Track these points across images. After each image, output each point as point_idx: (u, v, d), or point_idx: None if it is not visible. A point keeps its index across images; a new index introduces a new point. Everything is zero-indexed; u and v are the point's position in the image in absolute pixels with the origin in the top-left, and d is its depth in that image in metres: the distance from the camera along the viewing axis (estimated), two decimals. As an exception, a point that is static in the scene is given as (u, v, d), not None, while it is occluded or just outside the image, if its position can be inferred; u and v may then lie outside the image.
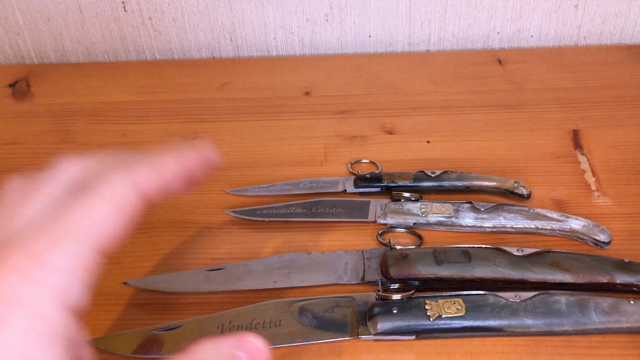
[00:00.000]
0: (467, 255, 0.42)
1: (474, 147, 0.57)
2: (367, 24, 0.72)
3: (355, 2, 0.70)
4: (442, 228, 0.48)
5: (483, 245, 0.44)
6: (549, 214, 0.47)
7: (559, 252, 0.43)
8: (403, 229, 0.48)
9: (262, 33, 0.73)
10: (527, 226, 0.47)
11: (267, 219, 0.49)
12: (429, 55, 0.73)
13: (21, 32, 0.73)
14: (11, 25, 0.73)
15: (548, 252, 0.43)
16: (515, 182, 0.50)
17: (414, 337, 0.39)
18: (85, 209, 0.27)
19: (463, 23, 0.72)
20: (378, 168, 0.55)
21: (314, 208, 0.49)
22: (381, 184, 0.51)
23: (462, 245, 0.44)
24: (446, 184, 0.51)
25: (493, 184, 0.51)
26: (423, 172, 0.52)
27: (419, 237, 0.47)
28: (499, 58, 0.70)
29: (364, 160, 0.56)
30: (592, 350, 0.39)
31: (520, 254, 0.42)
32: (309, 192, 0.51)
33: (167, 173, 0.31)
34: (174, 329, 0.40)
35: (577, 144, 0.56)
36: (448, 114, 0.61)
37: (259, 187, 0.52)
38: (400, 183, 0.51)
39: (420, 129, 0.59)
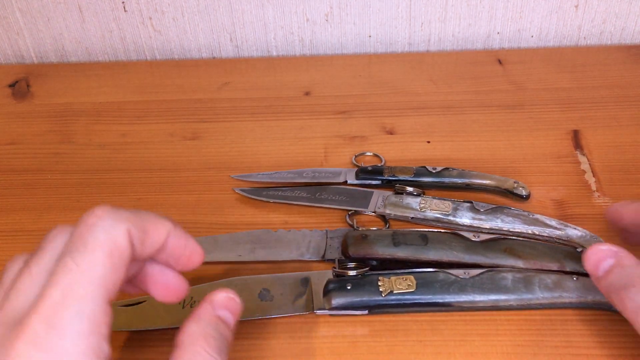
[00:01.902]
0: (424, 239, 0.44)
1: (474, 147, 0.57)
2: (367, 24, 0.72)
3: (355, 2, 0.70)
4: (439, 225, 0.48)
5: (442, 230, 0.45)
6: (547, 221, 0.47)
7: (514, 239, 0.44)
8: (371, 213, 0.49)
9: (262, 33, 0.73)
10: (524, 231, 0.47)
11: (271, 200, 0.50)
12: (429, 55, 0.73)
13: (21, 32, 0.73)
14: (11, 25, 0.73)
15: (504, 239, 0.44)
16: (515, 182, 0.50)
17: (366, 312, 0.40)
18: (77, 265, 0.26)
19: (463, 23, 0.72)
20: (381, 161, 0.55)
21: (318, 194, 0.51)
22: (382, 177, 0.52)
23: (422, 229, 0.45)
24: (446, 180, 0.51)
25: (493, 182, 0.51)
26: (424, 167, 0.52)
27: (386, 222, 0.48)
28: (499, 58, 0.70)
29: (367, 153, 0.56)
30: (591, 351, 0.39)
31: (476, 239, 0.44)
32: (311, 181, 0.52)
33: (156, 233, 0.30)
34: (138, 303, 0.41)
35: (578, 144, 0.56)
36: (448, 114, 0.61)
37: (263, 174, 0.53)
38: (401, 177, 0.52)
39: (421, 129, 0.59)
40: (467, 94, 0.64)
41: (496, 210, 0.48)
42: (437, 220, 0.48)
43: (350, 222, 0.48)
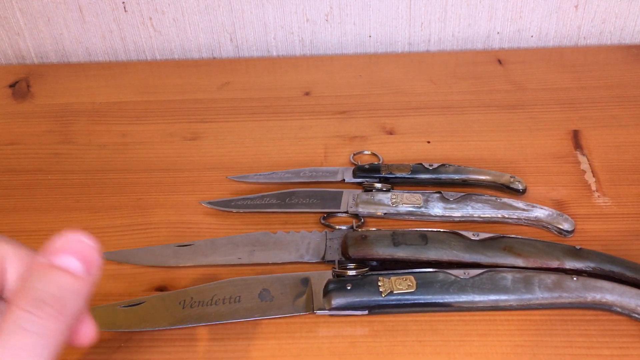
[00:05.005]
0: (424, 238, 0.44)
1: (474, 148, 0.57)
2: (367, 24, 0.72)
3: (355, 2, 0.70)
4: (413, 218, 0.49)
5: (442, 230, 0.45)
6: (515, 204, 0.48)
7: (513, 237, 0.44)
8: (344, 214, 0.49)
9: (262, 33, 0.73)
10: (494, 215, 0.48)
11: (241, 210, 0.50)
12: (429, 55, 0.73)
13: (21, 32, 0.73)
14: (12, 25, 0.73)
15: (503, 237, 0.44)
16: (511, 177, 0.51)
17: (366, 312, 0.40)
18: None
19: (463, 23, 0.72)
20: (379, 160, 0.55)
21: (287, 199, 0.50)
22: (379, 175, 0.52)
23: (421, 229, 0.45)
24: (443, 176, 0.52)
25: (489, 178, 0.51)
26: (421, 164, 0.52)
27: (360, 219, 0.48)
28: (499, 58, 0.70)
29: (365, 152, 0.56)
30: (592, 351, 0.39)
31: (476, 238, 0.44)
32: (308, 180, 0.52)
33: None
34: (137, 304, 0.41)
35: (577, 144, 0.56)
36: (448, 114, 0.61)
37: (260, 175, 0.53)
38: (398, 174, 0.52)
39: (420, 129, 0.59)
40: (467, 94, 0.64)
41: (465, 197, 0.48)
42: (410, 213, 0.48)
43: (326, 224, 0.48)
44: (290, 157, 0.57)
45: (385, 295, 0.40)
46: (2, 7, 0.71)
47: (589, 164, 0.54)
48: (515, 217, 0.47)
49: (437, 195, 0.49)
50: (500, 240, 0.44)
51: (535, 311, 0.41)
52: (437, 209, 0.48)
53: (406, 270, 0.42)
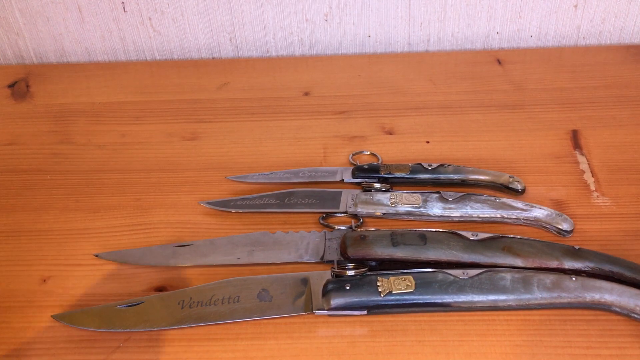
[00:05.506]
0: (423, 238, 0.44)
1: (473, 147, 0.57)
2: (366, 24, 0.72)
3: (354, 2, 0.70)
4: (412, 218, 0.49)
5: (441, 230, 0.45)
6: (514, 204, 0.48)
7: (512, 237, 0.44)
8: (343, 214, 0.49)
9: (261, 33, 0.73)
10: (493, 215, 0.48)
11: (240, 210, 0.50)
12: (428, 55, 0.73)
13: (21, 32, 0.73)
14: (11, 25, 0.73)
15: (502, 237, 0.44)
16: (510, 177, 0.51)
17: (365, 312, 0.40)
18: None
19: (462, 23, 0.72)
20: (378, 160, 0.55)
21: (286, 199, 0.50)
22: (378, 175, 0.52)
23: (420, 229, 0.45)
24: (442, 176, 0.52)
25: (488, 178, 0.51)
26: (420, 164, 0.52)
27: (359, 219, 0.48)
28: (498, 58, 0.70)
29: (365, 152, 0.56)
30: (590, 351, 0.39)
31: (475, 238, 0.44)
32: (307, 180, 0.52)
33: None
34: (137, 304, 0.41)
35: (577, 144, 0.56)
36: (447, 114, 0.61)
37: (259, 175, 0.53)
38: (397, 175, 0.52)
39: (420, 129, 0.59)
40: (466, 94, 0.64)
41: (464, 197, 0.48)
42: (409, 213, 0.48)
43: (325, 224, 0.48)
44: (289, 157, 0.57)
45: (384, 296, 0.40)
46: (1, 7, 0.71)
47: (588, 164, 0.54)
48: (514, 217, 0.47)
49: (436, 195, 0.49)
50: (499, 240, 0.44)
51: (534, 311, 0.41)
52: (436, 209, 0.48)
53: (405, 271, 0.42)
